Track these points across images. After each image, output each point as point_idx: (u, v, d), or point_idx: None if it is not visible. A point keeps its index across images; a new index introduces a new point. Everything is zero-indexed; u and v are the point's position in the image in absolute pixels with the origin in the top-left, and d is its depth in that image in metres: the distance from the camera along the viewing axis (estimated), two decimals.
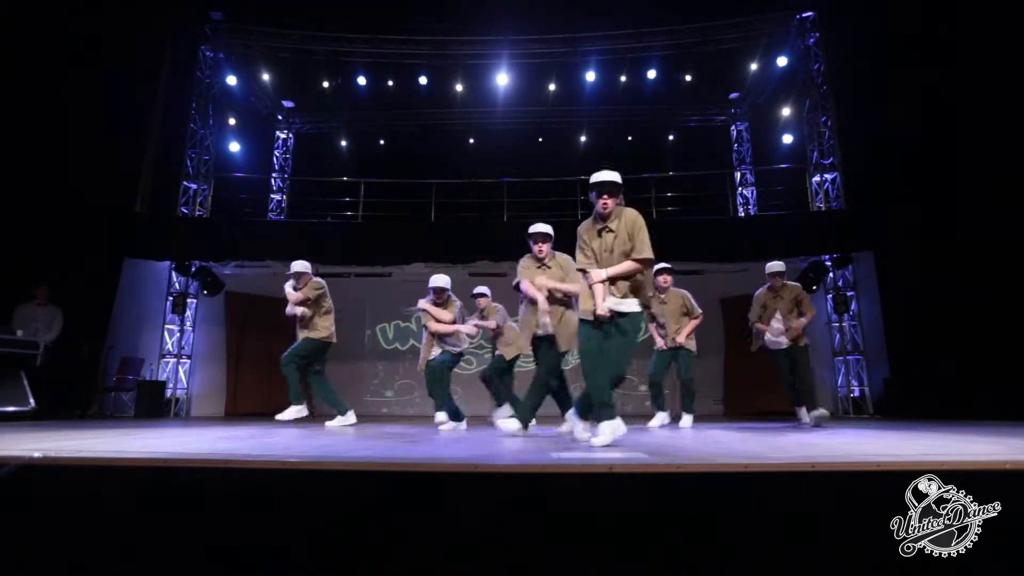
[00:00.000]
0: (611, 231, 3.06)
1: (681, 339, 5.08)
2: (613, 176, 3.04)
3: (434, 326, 4.81)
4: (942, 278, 6.64)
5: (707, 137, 11.32)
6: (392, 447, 2.77)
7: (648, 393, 5.41)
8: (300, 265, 5.10)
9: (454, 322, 4.83)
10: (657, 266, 5.17)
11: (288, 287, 5.05)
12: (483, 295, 5.33)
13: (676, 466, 1.82)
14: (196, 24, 9.12)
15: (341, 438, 3.41)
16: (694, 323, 5.18)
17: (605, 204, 3.03)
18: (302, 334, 4.97)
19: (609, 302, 2.98)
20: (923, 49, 7.04)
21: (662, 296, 5.17)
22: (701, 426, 4.91)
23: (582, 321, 3.10)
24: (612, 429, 2.87)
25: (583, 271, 3.12)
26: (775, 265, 5.22)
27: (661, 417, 5.03)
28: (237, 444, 2.87)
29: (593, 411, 3.10)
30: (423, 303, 4.86)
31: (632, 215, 3.07)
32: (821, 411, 4.75)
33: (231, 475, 1.87)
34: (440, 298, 4.84)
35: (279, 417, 4.84)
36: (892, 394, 7.34)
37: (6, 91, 6.86)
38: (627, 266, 3.00)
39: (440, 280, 4.87)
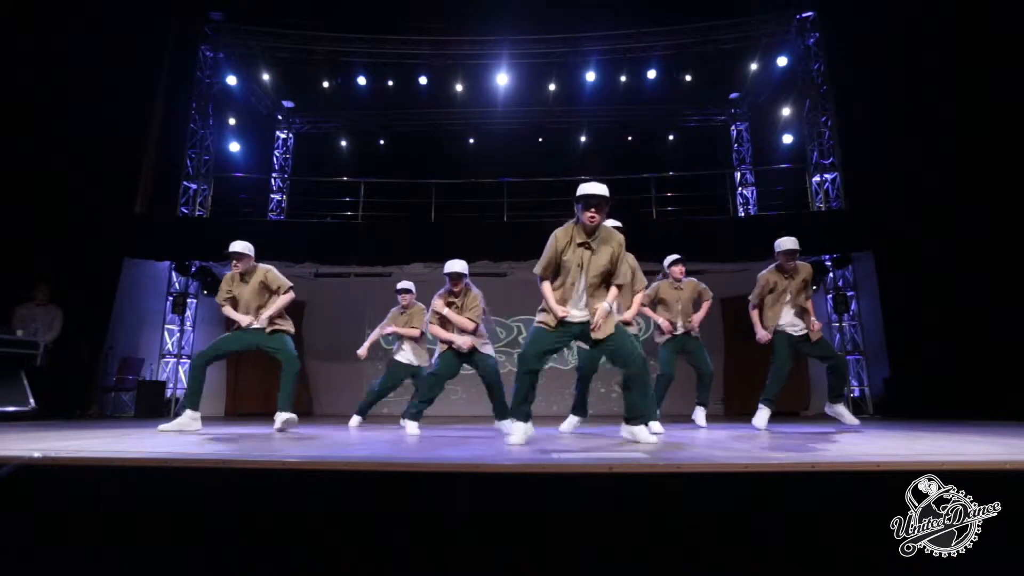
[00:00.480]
0: (591, 249, 2.96)
1: (695, 324, 4.97)
2: (604, 189, 2.94)
3: (444, 335, 4.12)
4: (941, 278, 6.63)
5: (707, 137, 11.31)
6: (392, 447, 2.77)
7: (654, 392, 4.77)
8: (241, 245, 4.20)
9: (476, 327, 4.14)
10: (672, 257, 5.15)
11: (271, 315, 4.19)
12: (407, 291, 5.10)
13: (676, 466, 1.82)
14: (196, 24, 9.11)
15: (340, 438, 3.41)
16: (707, 305, 5.04)
17: (593, 218, 2.91)
18: (279, 326, 4.17)
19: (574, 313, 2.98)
20: (923, 49, 7.04)
21: (679, 283, 5.09)
22: (701, 426, 4.90)
23: (538, 329, 3.02)
24: (523, 431, 2.95)
25: (545, 281, 3.04)
26: (787, 242, 4.43)
27: (657, 425, 4.12)
28: (237, 444, 2.88)
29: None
30: (437, 302, 4.20)
31: (621, 240, 3.04)
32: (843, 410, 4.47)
33: (231, 475, 1.86)
34: (457, 287, 4.17)
35: (278, 427, 4.04)
36: (892, 394, 7.34)
37: (6, 90, 6.86)
38: (615, 294, 3.02)
39: (457, 265, 4.19)
